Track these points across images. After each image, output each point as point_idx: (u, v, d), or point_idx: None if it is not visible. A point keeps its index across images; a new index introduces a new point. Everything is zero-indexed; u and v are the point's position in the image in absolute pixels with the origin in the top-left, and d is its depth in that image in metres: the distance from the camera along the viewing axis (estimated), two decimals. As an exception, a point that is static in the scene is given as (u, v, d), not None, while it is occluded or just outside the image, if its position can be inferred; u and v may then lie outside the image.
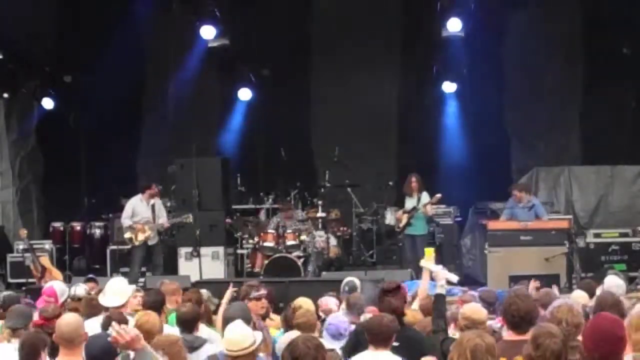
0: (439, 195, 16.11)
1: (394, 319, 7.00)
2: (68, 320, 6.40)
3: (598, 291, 9.56)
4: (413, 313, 8.47)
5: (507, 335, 6.24)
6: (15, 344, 7.08)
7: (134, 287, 9.33)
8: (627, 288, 10.99)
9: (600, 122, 18.51)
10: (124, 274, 16.74)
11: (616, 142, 18.59)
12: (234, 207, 18.38)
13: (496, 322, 8.28)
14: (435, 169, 19.06)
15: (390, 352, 6.71)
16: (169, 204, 17.78)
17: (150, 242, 16.04)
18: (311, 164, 20.26)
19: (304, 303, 8.99)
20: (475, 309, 7.33)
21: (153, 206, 16.11)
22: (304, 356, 5.13)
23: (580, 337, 5.61)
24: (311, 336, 5.52)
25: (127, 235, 16.13)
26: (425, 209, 16.08)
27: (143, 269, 16.65)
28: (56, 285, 9.33)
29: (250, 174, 19.73)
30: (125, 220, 16.15)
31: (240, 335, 6.34)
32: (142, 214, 16.05)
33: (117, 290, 8.64)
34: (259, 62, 20.06)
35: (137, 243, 15.95)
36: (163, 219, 16.18)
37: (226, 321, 7.07)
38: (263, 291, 8.65)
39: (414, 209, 16.11)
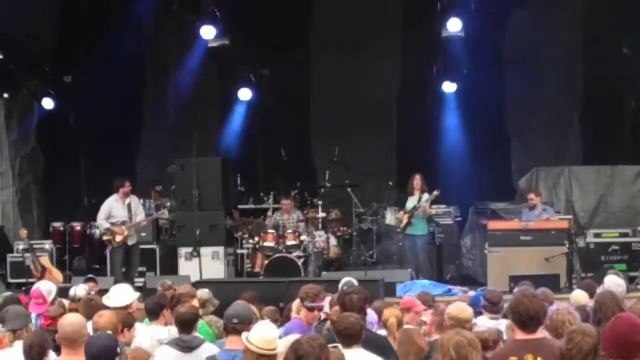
0: (436, 192, 16.15)
1: (359, 316, 6.98)
2: (71, 320, 6.41)
3: (598, 291, 9.57)
4: (393, 311, 8.33)
5: (517, 334, 6.23)
6: (18, 347, 7.02)
7: (138, 293, 9.28)
8: (627, 288, 11.01)
9: (600, 122, 18.52)
10: (124, 274, 16.76)
11: (616, 142, 18.61)
12: (240, 207, 18.37)
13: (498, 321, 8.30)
14: (435, 168, 19.03)
15: (362, 349, 6.67)
16: (168, 204, 17.79)
17: (129, 242, 15.94)
18: (311, 164, 20.28)
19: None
20: (461, 308, 7.30)
21: (129, 205, 15.94)
22: (308, 355, 5.15)
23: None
24: (315, 335, 5.54)
25: (105, 237, 16.00)
26: (424, 206, 16.08)
27: (141, 269, 16.66)
28: (42, 285, 9.18)
29: (250, 174, 19.73)
30: (102, 222, 15.96)
31: (273, 335, 6.29)
32: (118, 214, 15.86)
33: (122, 293, 8.62)
34: (259, 62, 20.07)
35: (115, 245, 15.86)
36: (140, 217, 16.05)
37: (227, 320, 7.07)
38: (323, 303, 8.13)
39: (414, 207, 16.13)
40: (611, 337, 5.24)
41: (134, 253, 16.08)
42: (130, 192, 16.11)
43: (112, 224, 15.82)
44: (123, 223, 15.81)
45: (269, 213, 17.65)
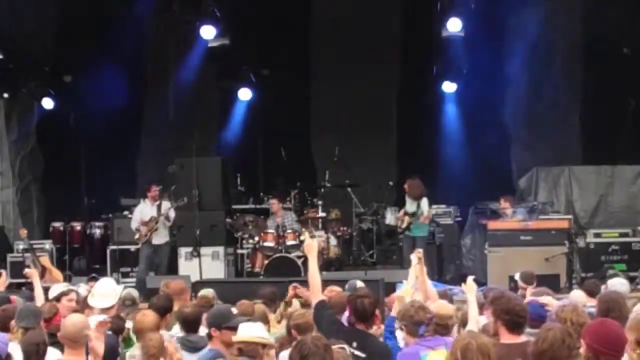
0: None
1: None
2: (74, 320, 6.40)
3: (603, 291, 9.56)
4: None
5: (505, 338, 6.19)
6: None
7: (122, 287, 9.23)
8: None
9: (600, 122, 18.51)
10: (124, 274, 16.78)
11: (616, 142, 18.60)
12: (234, 207, 18.36)
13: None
14: (436, 169, 19.09)
15: None
16: (185, 199, 17.77)
17: (156, 241, 16.14)
18: (311, 164, 20.29)
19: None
20: (442, 306, 7.30)
21: (159, 206, 16.29)
22: (313, 355, 5.16)
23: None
24: (319, 336, 5.56)
25: (136, 236, 16.35)
26: (426, 216, 16.11)
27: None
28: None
29: (250, 174, 19.73)
30: (133, 223, 16.41)
31: (252, 328, 6.36)
32: (148, 215, 16.27)
33: (105, 292, 8.56)
34: (259, 62, 20.08)
35: (142, 240, 16.10)
36: (171, 214, 16.32)
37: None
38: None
39: (414, 215, 16.10)
40: (600, 335, 5.26)
41: (162, 252, 16.30)
42: (158, 196, 16.38)
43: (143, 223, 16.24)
44: (151, 219, 16.18)
45: (269, 219, 17.56)
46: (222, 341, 7.00)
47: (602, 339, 5.23)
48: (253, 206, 18.71)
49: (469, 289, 7.93)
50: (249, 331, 6.44)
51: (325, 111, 20.52)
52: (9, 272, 17.72)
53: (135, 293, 9.72)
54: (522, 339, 6.10)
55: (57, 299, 8.64)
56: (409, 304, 6.92)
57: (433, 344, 6.64)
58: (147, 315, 7.39)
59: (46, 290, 9.72)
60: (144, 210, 16.34)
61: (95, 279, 13.06)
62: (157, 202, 16.31)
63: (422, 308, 6.78)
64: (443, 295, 9.59)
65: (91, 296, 8.59)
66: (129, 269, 17.13)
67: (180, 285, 9.98)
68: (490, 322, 7.66)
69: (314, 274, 7.43)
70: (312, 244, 7.56)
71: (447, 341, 6.66)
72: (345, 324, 7.30)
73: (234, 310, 7.25)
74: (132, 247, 17.02)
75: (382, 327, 8.22)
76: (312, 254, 7.51)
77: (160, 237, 16.26)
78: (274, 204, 17.07)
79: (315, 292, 7.41)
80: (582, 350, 5.28)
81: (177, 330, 8.08)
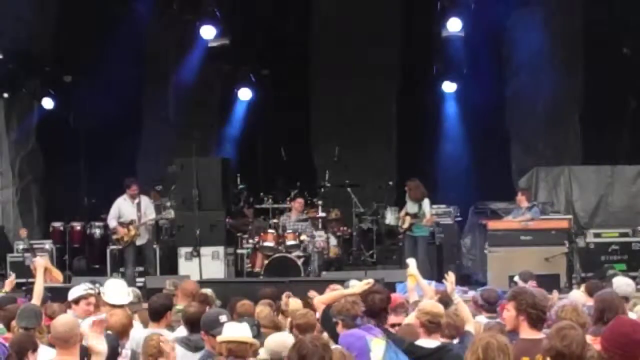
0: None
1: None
2: (64, 320, 6.37)
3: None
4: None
5: (525, 333, 6.18)
6: None
7: (132, 289, 9.29)
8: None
9: (600, 122, 18.51)
10: (124, 274, 16.76)
11: (616, 142, 18.60)
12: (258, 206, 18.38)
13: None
14: (436, 169, 19.09)
15: None
16: (169, 204, 17.78)
17: (139, 242, 16.17)
18: (311, 164, 20.29)
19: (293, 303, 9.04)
20: (433, 303, 7.32)
21: (139, 204, 16.25)
22: (312, 355, 5.16)
23: (589, 337, 5.60)
24: (318, 335, 5.57)
25: (114, 237, 16.44)
26: (428, 218, 16.10)
27: (140, 268, 16.70)
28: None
29: (250, 174, 19.73)
30: (111, 221, 16.41)
31: (236, 328, 6.41)
32: (127, 213, 16.21)
33: (120, 290, 8.59)
34: (259, 62, 20.09)
35: (123, 244, 16.17)
36: (150, 217, 16.32)
37: None
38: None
39: (415, 216, 16.08)
40: (614, 337, 5.22)
41: (147, 252, 16.36)
42: (138, 193, 16.33)
43: (121, 223, 16.17)
44: (131, 222, 16.09)
45: (284, 216, 17.47)
46: (210, 345, 7.09)
47: (618, 340, 5.20)
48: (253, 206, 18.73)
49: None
50: (232, 331, 6.48)
51: (325, 111, 20.52)
52: (8, 272, 17.73)
53: (138, 290, 9.75)
54: (542, 335, 6.09)
55: (76, 301, 8.62)
56: (344, 299, 6.94)
57: (374, 332, 6.68)
58: (115, 315, 7.37)
59: (54, 289, 9.77)
60: (123, 207, 16.27)
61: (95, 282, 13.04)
62: (137, 201, 16.28)
63: (356, 302, 6.82)
64: (444, 296, 9.60)
65: (104, 295, 8.60)
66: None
67: (192, 285, 10.02)
68: (492, 321, 7.70)
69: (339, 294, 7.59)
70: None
71: (379, 332, 6.77)
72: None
73: (224, 318, 7.23)
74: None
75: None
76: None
77: (142, 238, 16.29)
78: (301, 203, 17.09)
79: (322, 304, 7.48)
80: (597, 349, 5.26)
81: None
